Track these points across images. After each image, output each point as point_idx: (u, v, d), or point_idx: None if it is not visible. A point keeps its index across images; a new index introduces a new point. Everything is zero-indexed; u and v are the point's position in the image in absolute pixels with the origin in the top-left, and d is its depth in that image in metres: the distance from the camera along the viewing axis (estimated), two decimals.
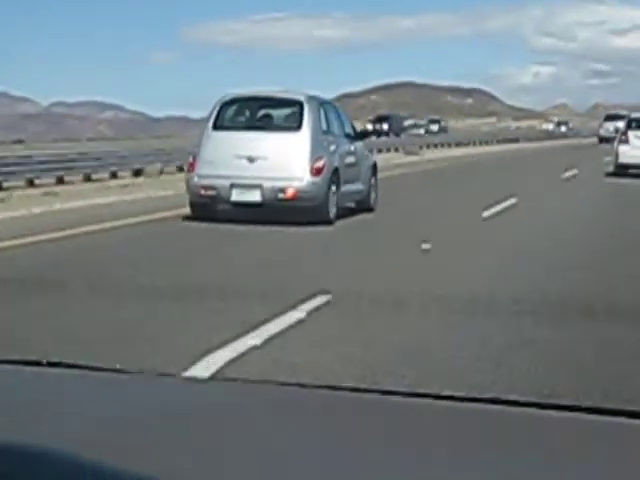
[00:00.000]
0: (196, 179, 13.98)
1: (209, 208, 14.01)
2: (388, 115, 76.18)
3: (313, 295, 7.60)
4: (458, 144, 56.50)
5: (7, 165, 21.83)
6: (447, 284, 8.65)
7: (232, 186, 13.70)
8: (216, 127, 14.23)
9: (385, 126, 65.80)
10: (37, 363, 1.73)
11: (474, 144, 58.62)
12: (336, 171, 14.15)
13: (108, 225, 13.23)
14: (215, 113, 14.35)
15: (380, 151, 37.08)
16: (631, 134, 26.56)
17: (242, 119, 14.62)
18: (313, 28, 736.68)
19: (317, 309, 7.24)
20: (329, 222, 13.72)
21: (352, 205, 15.12)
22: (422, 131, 74.49)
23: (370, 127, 55.43)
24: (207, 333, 6.41)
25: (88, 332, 6.53)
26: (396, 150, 44.74)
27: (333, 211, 13.99)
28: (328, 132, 14.53)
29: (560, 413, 1.48)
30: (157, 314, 7.16)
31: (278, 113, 14.71)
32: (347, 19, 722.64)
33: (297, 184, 13.65)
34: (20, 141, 51.27)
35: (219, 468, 1.15)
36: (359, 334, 6.55)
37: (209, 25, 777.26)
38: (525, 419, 1.45)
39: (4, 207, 15.87)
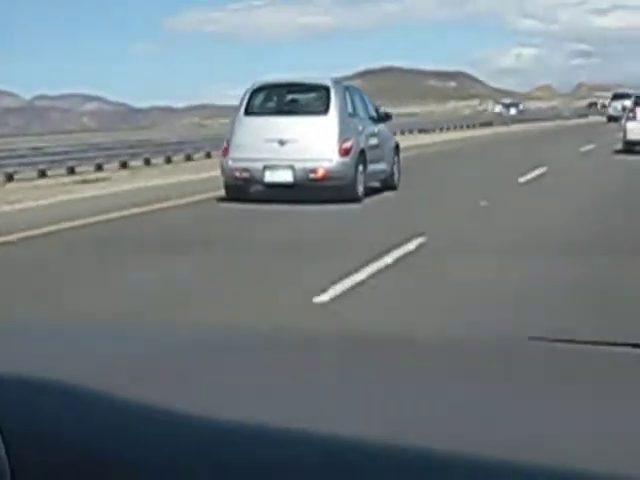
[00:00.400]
0: (230, 162, 14.76)
1: (243, 190, 14.80)
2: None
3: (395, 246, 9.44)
4: (425, 130, 47.75)
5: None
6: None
7: (265, 168, 14.48)
8: (247, 113, 15.04)
9: None
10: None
11: (448, 129, 50.56)
12: (362, 152, 14.93)
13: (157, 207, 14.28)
14: (246, 100, 15.14)
15: None
16: (639, 111, 26.65)
17: (272, 105, 15.41)
18: (297, 15, 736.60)
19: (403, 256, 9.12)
20: (357, 200, 14.50)
21: (377, 185, 15.90)
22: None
23: None
24: (311, 276, 8.08)
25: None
26: None
27: (361, 190, 14.76)
28: (354, 115, 15.31)
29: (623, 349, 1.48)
30: (269, 265, 8.85)
31: (306, 98, 15.48)
32: (330, 5, 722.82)
33: (327, 164, 14.43)
34: None
35: (221, 400, 1.12)
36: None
37: (191, 14, 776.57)
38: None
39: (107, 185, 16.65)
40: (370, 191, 15.45)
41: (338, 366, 1.36)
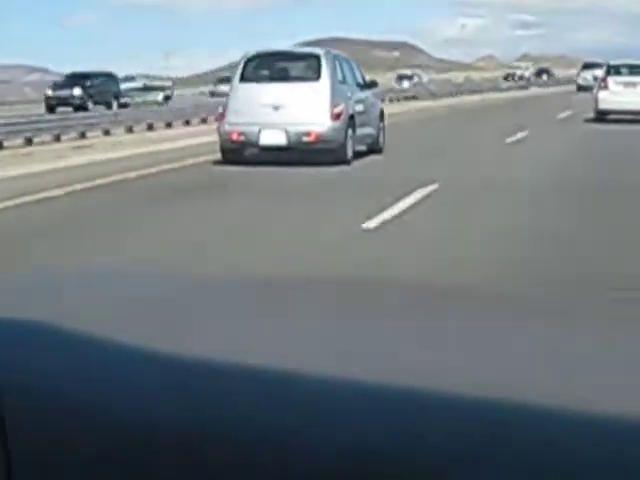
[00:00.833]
0: (227, 126, 15.61)
1: (238, 153, 15.66)
2: None
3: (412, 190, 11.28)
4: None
5: None
6: None
7: (260, 131, 15.34)
8: (242, 79, 15.88)
9: None
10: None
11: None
12: (352, 117, 15.82)
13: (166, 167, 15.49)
14: (241, 67, 16.00)
15: None
16: (610, 80, 26.68)
17: (266, 72, 16.24)
18: None
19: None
20: (347, 162, 15.41)
21: (363, 148, 16.79)
22: None
23: None
24: (352, 209, 10.01)
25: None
26: None
27: (350, 153, 15.68)
28: (344, 82, 16.19)
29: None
30: (304, 205, 10.67)
31: (298, 65, 16.32)
32: None
33: (319, 128, 15.31)
34: None
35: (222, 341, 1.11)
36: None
37: None
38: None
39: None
40: (357, 154, 16.35)
41: (339, 308, 1.36)
